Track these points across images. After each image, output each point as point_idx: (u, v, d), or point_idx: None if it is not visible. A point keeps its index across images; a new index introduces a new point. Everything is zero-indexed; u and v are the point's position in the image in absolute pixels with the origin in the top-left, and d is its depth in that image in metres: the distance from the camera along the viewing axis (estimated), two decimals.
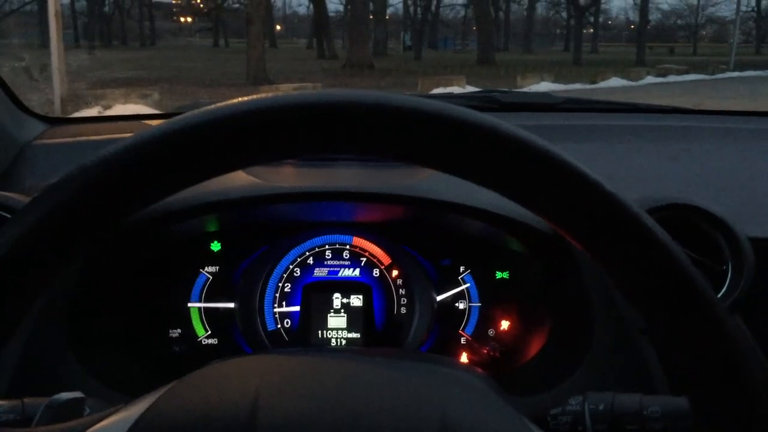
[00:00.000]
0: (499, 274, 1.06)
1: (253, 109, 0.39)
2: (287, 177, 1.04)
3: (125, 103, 9.58)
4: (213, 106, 0.40)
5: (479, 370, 0.96)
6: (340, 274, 1.04)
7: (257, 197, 0.94)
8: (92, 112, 8.70)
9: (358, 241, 1.05)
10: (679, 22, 55.90)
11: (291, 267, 1.03)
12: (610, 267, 0.47)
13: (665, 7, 53.89)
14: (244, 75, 16.45)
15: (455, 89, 13.58)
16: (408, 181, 0.97)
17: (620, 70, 19.18)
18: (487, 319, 1.05)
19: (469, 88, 14.06)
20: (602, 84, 16.95)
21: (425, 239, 1.06)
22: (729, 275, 0.85)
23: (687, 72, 20.43)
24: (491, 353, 1.02)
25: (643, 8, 32.50)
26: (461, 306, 1.06)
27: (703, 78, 19.60)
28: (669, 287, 0.47)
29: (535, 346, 0.98)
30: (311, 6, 34.92)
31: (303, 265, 1.04)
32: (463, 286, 1.06)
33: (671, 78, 19.39)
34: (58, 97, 9.56)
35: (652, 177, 1.19)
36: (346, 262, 1.05)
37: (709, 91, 14.85)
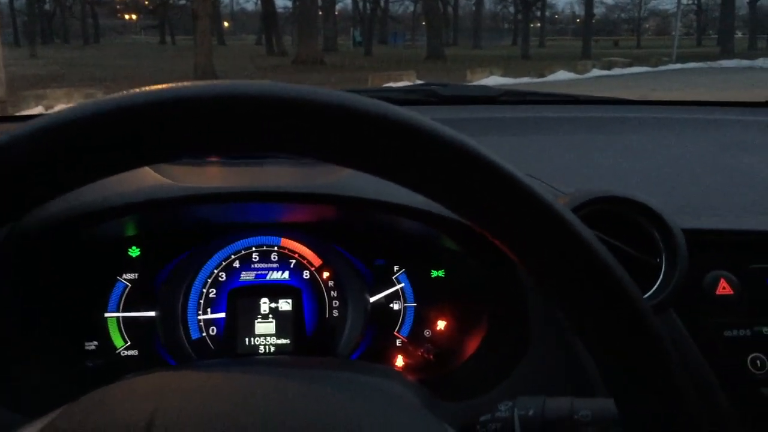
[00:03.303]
0: (434, 273, 1.02)
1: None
2: (209, 177, 0.98)
3: (68, 102, 9.31)
4: (107, 97, 0.36)
5: (410, 376, 0.93)
6: (268, 278, 0.99)
7: (177, 198, 0.88)
8: (33, 112, 8.43)
9: (287, 243, 1.00)
10: (623, 15, 57.14)
11: (216, 271, 0.98)
12: (529, 264, 0.44)
13: (609, 1, 54.99)
14: (192, 72, 16.17)
15: (405, 84, 13.61)
16: (337, 179, 0.93)
17: (567, 63, 19.48)
18: (423, 320, 1.02)
19: (419, 83, 14.12)
20: (550, 77, 17.20)
21: (357, 239, 1.02)
22: (663, 268, 0.83)
23: (631, 64, 20.88)
24: (425, 355, 0.98)
25: (588, 2, 33.08)
26: (396, 307, 1.02)
27: (647, 70, 20.07)
28: (590, 286, 0.44)
29: (470, 348, 0.95)
30: (259, 2, 34.54)
31: (228, 269, 0.98)
32: (398, 286, 1.02)
33: (616, 70, 19.79)
34: None
35: (590, 169, 1.17)
36: (275, 265, 1.00)
37: (653, 82, 15.20)
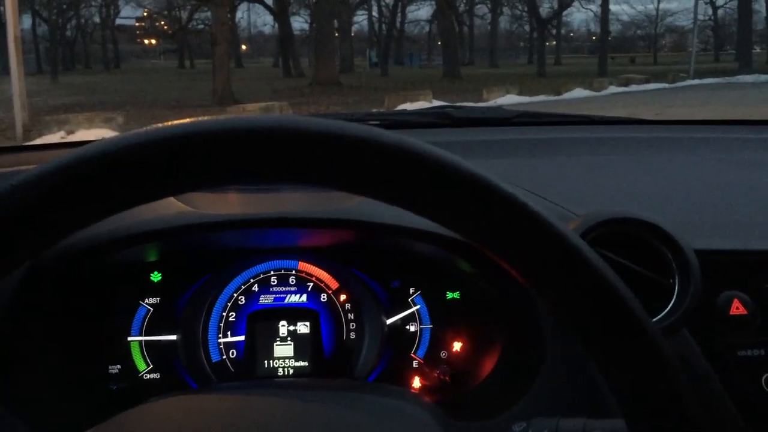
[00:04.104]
0: (450, 295, 1.04)
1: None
2: (228, 204, 1.01)
3: (89, 128, 9.44)
4: (122, 135, 0.38)
5: (427, 398, 0.94)
6: (286, 301, 1.01)
7: (198, 225, 0.91)
8: (55, 138, 8.55)
9: (304, 266, 1.02)
10: (639, 32, 57.03)
11: (235, 295, 1.00)
12: (538, 289, 0.46)
13: (625, 18, 54.98)
14: (210, 96, 16.37)
15: (422, 104, 13.67)
16: (352, 204, 0.95)
17: (583, 80, 19.46)
18: (439, 341, 1.03)
19: (436, 102, 14.16)
20: (566, 95, 17.18)
21: (374, 262, 1.04)
22: (676, 289, 0.83)
23: (648, 81, 20.79)
24: (442, 377, 0.99)
25: (604, 19, 33.09)
26: (412, 329, 1.03)
27: (663, 87, 19.96)
28: (600, 311, 0.45)
29: (485, 369, 0.96)
30: (276, 25, 34.94)
31: (248, 293, 1.00)
32: (414, 308, 1.03)
33: (633, 87, 19.72)
34: (20, 124, 9.40)
35: (604, 190, 1.18)
36: (293, 288, 1.02)
37: (670, 99, 15.12)
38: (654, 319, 0.82)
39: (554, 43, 46.78)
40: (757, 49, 37.99)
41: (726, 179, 1.21)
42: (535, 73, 27.68)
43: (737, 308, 0.84)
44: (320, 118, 0.40)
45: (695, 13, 25.68)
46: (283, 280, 1.02)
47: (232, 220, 0.91)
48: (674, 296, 0.83)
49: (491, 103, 15.22)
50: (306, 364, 0.98)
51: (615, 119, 1.74)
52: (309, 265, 1.02)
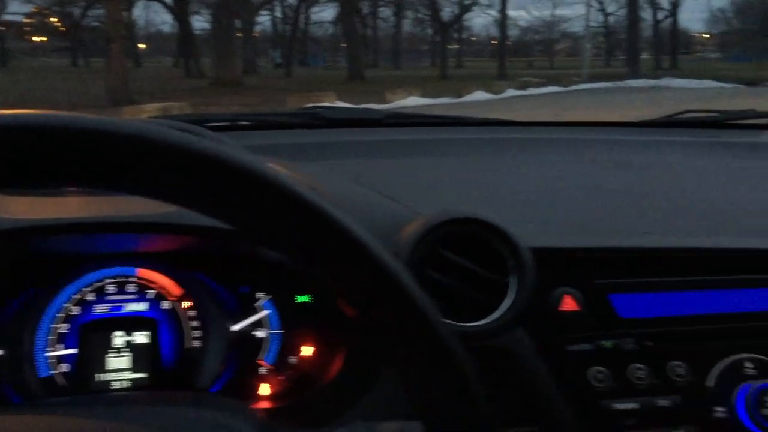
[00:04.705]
0: (299, 299, 1.01)
1: None
2: (52, 208, 0.94)
3: None
4: None
5: (273, 404, 0.91)
6: (124, 310, 0.96)
7: (16, 230, 0.84)
8: None
9: (144, 273, 0.97)
10: (536, 37, 59.14)
11: (67, 305, 0.94)
12: (342, 295, 0.45)
13: (523, 23, 56.89)
14: (104, 95, 15.71)
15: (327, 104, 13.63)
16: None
17: (484, 83, 19.97)
18: (289, 346, 1.00)
19: (339, 104, 14.17)
20: (467, 97, 17.58)
21: (221, 267, 1.00)
22: (509, 287, 0.84)
23: (545, 84, 21.60)
24: (288, 383, 0.97)
25: (503, 24, 34.10)
26: (260, 334, 1.00)
27: (559, 90, 20.78)
28: (396, 316, 0.44)
29: (332, 373, 0.94)
30: (177, 24, 34.00)
31: (82, 303, 0.94)
32: (262, 313, 1.00)
33: (531, 90, 20.42)
34: None
35: (462, 190, 1.19)
36: (132, 297, 0.96)
37: (565, 101, 15.75)
38: (488, 317, 0.83)
39: (456, 46, 47.80)
40: (645, 55, 40.12)
41: (581, 180, 1.25)
42: (437, 76, 28.20)
43: (568, 304, 0.86)
44: (96, 117, 0.37)
45: (587, 20, 26.90)
46: (121, 288, 0.96)
47: (55, 224, 0.85)
48: (507, 294, 0.84)
49: (394, 104, 15.37)
50: (145, 375, 0.93)
51: (485, 120, 1.77)
52: (150, 272, 0.97)
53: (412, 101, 15.93)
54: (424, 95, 16.98)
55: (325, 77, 28.04)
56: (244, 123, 1.58)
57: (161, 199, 0.42)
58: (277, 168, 0.43)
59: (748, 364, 0.87)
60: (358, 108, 2.15)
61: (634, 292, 0.89)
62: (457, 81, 23.26)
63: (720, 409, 0.85)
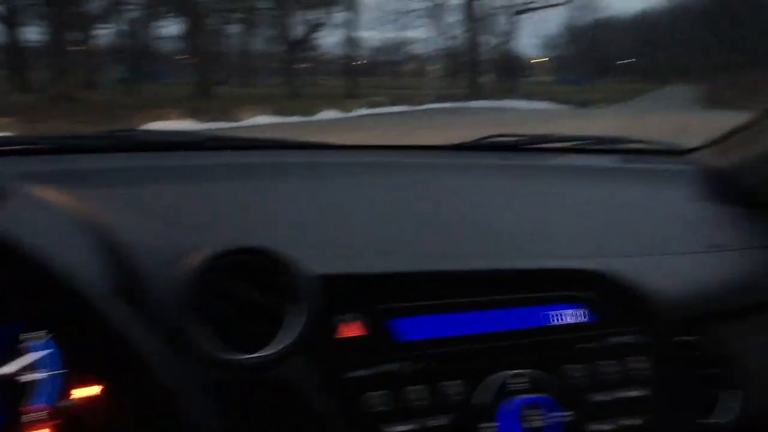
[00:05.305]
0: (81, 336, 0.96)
1: None
2: None
3: None
4: None
5: None
6: None
7: None
8: None
9: None
10: (385, 58, 60.83)
11: None
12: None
13: (374, 44, 58.29)
14: None
15: (171, 123, 13.18)
16: None
17: (335, 102, 20.21)
18: (67, 387, 0.94)
19: (185, 122, 13.74)
20: (318, 116, 17.70)
21: None
22: (286, 316, 0.84)
23: (394, 104, 22.23)
24: (55, 428, 0.90)
25: (353, 45, 34.75)
26: (36, 376, 0.93)
27: (408, 109, 21.48)
28: None
29: (107, 412, 0.90)
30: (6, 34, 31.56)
31: None
32: (37, 354, 0.93)
33: (380, 109, 20.94)
34: None
35: (259, 218, 1.16)
36: None
37: (414, 121, 16.27)
38: (264, 349, 0.82)
39: (309, 65, 48.00)
40: (486, 78, 42.34)
41: (383, 205, 1.27)
42: (288, 94, 28.16)
43: (352, 330, 0.88)
44: None
45: (429, 43, 28.03)
46: None
47: None
48: (283, 324, 0.84)
49: (243, 123, 15.14)
50: None
51: (307, 144, 1.77)
52: None
53: (261, 120, 15.81)
54: (274, 114, 16.91)
55: (173, 93, 27.12)
56: (43, 146, 1.49)
57: None
58: None
59: (512, 380, 0.93)
60: (177, 131, 2.10)
61: (414, 315, 0.92)
62: (308, 99, 23.35)
63: (486, 425, 0.90)
